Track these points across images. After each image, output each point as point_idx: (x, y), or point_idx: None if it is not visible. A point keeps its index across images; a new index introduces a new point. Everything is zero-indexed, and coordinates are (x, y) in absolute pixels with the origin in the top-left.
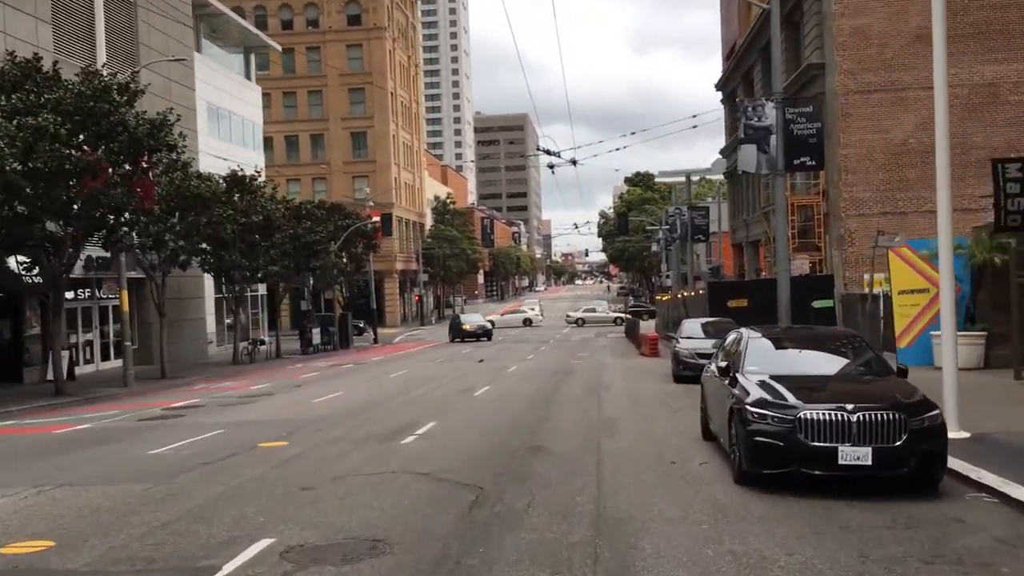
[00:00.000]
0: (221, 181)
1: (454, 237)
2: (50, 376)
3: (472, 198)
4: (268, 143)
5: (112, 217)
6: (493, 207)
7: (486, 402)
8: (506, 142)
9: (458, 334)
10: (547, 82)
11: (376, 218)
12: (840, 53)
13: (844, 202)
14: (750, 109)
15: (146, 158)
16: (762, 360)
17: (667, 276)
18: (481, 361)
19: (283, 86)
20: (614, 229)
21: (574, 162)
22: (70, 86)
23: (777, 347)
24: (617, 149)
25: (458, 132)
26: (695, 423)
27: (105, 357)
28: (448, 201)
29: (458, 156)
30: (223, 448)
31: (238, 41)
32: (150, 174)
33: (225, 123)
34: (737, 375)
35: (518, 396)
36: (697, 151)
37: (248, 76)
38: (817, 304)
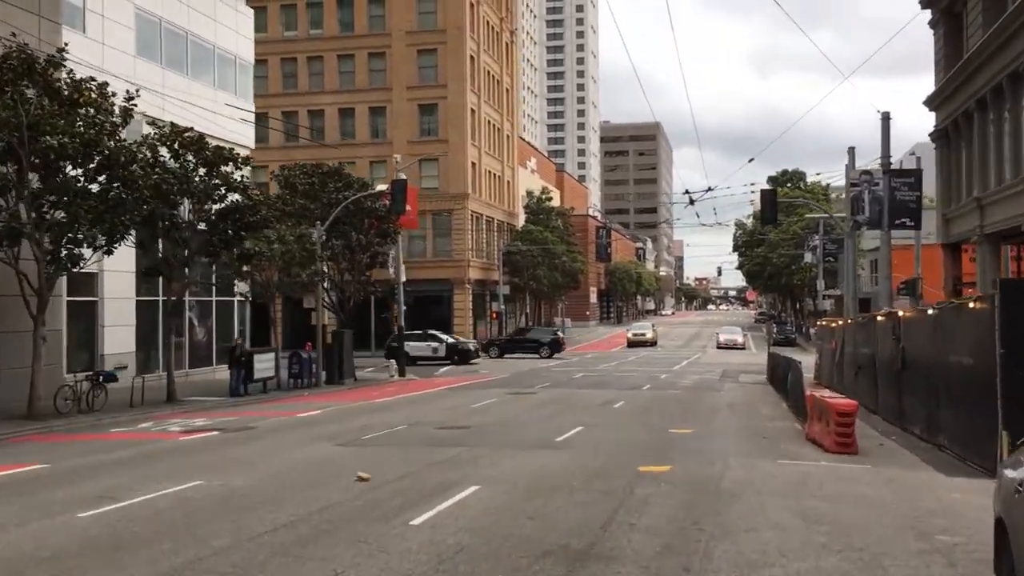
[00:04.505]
0: None
1: (545, 239)
2: None
3: (596, 213)
4: (318, 115)
5: None
6: (621, 223)
7: None
8: (635, 153)
9: None
10: (672, 105)
11: (382, 187)
12: None
13: None
14: None
15: None
16: None
17: (824, 296)
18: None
19: (339, 47)
20: (751, 239)
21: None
22: None
23: None
24: (752, 184)
25: (582, 139)
26: None
27: None
28: (544, 197)
29: (581, 166)
30: None
31: None
32: None
33: (176, 47)
34: None
35: None
36: (835, 179)
37: None
38: None
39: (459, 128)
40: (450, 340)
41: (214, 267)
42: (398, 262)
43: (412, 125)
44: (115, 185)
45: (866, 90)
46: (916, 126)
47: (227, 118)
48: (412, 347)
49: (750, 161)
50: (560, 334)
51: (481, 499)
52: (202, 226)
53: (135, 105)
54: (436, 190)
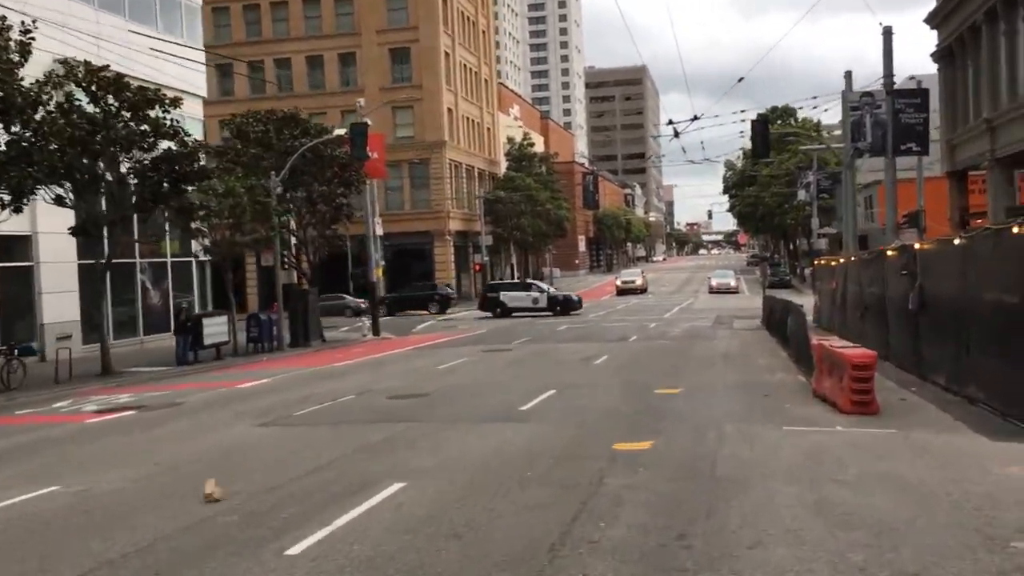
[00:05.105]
0: None
1: (528, 186)
2: None
3: (584, 161)
4: (285, 64)
5: None
6: (608, 170)
7: None
8: (622, 98)
9: None
10: (656, 51)
11: (340, 131)
12: None
13: None
14: None
15: None
16: None
17: (819, 235)
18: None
19: None
20: (742, 178)
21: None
22: None
23: None
24: (742, 112)
25: (566, 86)
26: None
27: None
28: (526, 143)
29: (566, 112)
30: None
31: None
32: None
33: None
34: None
35: None
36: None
37: None
38: None
39: (433, 72)
40: (552, 291)
41: (166, 225)
42: (367, 213)
43: (384, 71)
44: (25, 134)
45: (853, 25)
46: (907, 60)
47: (176, 64)
48: (511, 297)
49: (740, 80)
50: (450, 289)
51: (402, 504)
52: (133, 179)
53: (33, 39)
54: (412, 139)
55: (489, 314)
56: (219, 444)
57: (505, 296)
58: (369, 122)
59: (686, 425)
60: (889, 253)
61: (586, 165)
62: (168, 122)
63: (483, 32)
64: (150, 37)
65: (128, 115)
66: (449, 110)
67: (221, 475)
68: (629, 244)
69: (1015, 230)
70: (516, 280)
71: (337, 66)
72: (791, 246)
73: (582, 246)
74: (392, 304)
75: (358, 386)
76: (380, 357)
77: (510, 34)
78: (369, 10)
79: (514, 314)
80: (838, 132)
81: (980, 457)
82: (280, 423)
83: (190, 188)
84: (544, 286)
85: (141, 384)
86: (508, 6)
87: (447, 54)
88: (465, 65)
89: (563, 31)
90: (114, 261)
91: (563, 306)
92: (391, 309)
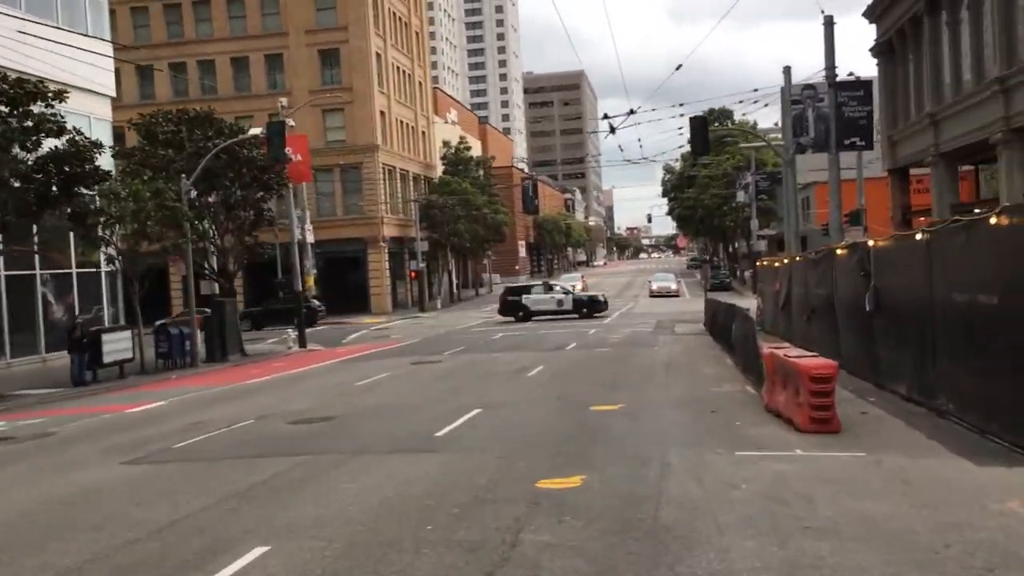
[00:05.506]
0: None
1: (464, 190)
2: None
3: (523, 166)
4: (209, 66)
5: None
6: (548, 175)
7: None
8: (560, 103)
9: None
10: (593, 58)
11: (256, 131)
12: None
13: None
14: None
15: None
16: None
17: (759, 238)
18: None
19: None
20: (681, 180)
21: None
22: None
23: None
24: (680, 105)
25: (504, 91)
26: None
27: None
28: (462, 147)
29: (505, 118)
30: None
31: None
32: None
33: None
34: None
35: None
36: (764, 118)
37: None
38: None
39: (364, 74)
40: (576, 292)
41: (72, 233)
42: (292, 219)
43: (313, 73)
44: None
45: (785, 33)
46: (843, 62)
47: (80, 62)
48: (533, 300)
49: (678, 68)
50: (317, 302)
51: None
52: (16, 181)
53: None
54: (343, 143)
55: (511, 319)
56: (64, 491)
57: (528, 299)
58: (292, 122)
59: (624, 453)
60: (839, 252)
61: (525, 170)
62: (52, 118)
63: (416, 34)
64: (44, 25)
65: (6, 110)
66: (382, 113)
67: (41, 538)
68: (569, 249)
69: (993, 221)
70: (540, 282)
71: (264, 68)
72: (730, 248)
73: (522, 251)
74: (256, 318)
75: (262, 408)
76: (299, 372)
77: (447, 39)
78: (296, 10)
79: (535, 318)
80: (775, 134)
81: (971, 489)
82: (152, 460)
83: (86, 191)
84: (567, 287)
85: (23, 409)
86: (445, 12)
87: (379, 56)
88: (398, 67)
89: (500, 36)
90: (10, 273)
91: (589, 307)
92: (256, 323)
